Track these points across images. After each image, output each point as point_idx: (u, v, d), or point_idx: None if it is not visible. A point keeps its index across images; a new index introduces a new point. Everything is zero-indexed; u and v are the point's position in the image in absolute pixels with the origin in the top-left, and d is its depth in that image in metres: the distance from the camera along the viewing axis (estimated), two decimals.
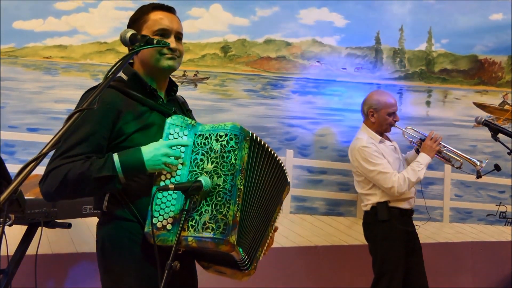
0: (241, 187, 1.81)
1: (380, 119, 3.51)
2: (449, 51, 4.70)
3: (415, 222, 3.59)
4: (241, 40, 4.24)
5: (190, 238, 1.74)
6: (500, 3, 4.70)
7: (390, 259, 3.42)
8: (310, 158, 4.32)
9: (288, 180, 2.12)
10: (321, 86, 4.40)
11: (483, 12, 4.70)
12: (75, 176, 1.76)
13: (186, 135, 1.87)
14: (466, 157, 3.52)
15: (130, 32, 1.78)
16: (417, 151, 3.55)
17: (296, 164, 4.27)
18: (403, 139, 3.69)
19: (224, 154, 1.81)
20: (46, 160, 1.79)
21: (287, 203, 4.19)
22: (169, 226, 1.77)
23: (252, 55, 4.27)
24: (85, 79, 3.88)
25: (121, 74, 1.96)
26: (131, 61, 1.97)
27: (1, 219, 1.39)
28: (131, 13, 2.05)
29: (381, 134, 3.54)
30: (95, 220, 2.01)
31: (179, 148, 1.84)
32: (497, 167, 3.55)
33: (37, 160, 1.36)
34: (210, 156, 1.82)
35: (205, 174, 1.80)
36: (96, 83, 1.75)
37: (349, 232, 4.30)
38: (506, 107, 4.78)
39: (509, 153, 3.09)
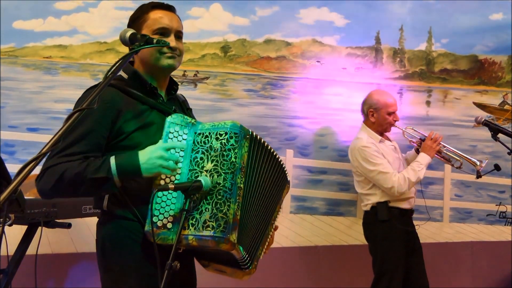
0: (241, 185, 1.80)
1: (380, 119, 3.51)
2: (449, 51, 4.70)
3: (415, 222, 3.59)
4: (241, 40, 4.25)
5: (190, 237, 1.74)
6: (500, 3, 4.70)
7: (390, 259, 3.42)
8: (310, 158, 4.32)
9: (288, 178, 2.12)
10: (321, 86, 4.41)
11: (483, 12, 4.70)
12: (72, 175, 1.76)
13: (186, 134, 1.87)
14: (466, 157, 3.52)
15: (130, 31, 1.78)
16: (417, 151, 3.55)
17: (296, 164, 4.27)
18: (403, 139, 3.68)
19: (224, 153, 1.81)
20: (45, 159, 1.80)
21: (287, 203, 4.19)
22: (169, 225, 1.77)
23: (252, 55, 4.28)
24: (85, 79, 3.88)
25: (121, 72, 1.95)
26: (131, 60, 1.97)
27: (1, 219, 1.39)
28: (131, 13, 2.05)
29: (381, 134, 3.54)
30: (95, 220, 2.00)
31: (178, 153, 1.83)
32: (497, 167, 3.55)
33: (37, 160, 1.35)
34: (210, 155, 1.82)
35: (205, 172, 1.80)
36: (96, 83, 1.75)
37: (349, 232, 4.30)
38: (506, 107, 4.78)
39: (509, 153, 3.09)
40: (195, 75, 4.16)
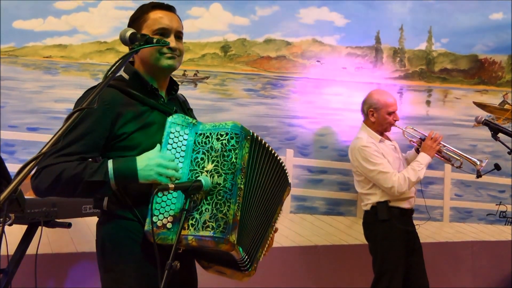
0: (242, 186, 1.80)
1: (380, 119, 3.50)
2: (449, 50, 4.70)
3: (415, 222, 3.59)
4: (241, 40, 4.25)
5: (190, 237, 1.74)
6: (500, 3, 4.70)
7: (390, 258, 3.42)
8: (310, 157, 4.32)
9: (289, 180, 2.11)
10: (321, 85, 4.40)
11: (483, 12, 4.70)
12: (69, 176, 1.77)
13: (187, 134, 1.87)
14: (466, 157, 3.52)
15: (130, 31, 1.77)
16: (417, 151, 3.55)
17: (296, 163, 4.27)
18: (403, 138, 3.68)
19: (224, 153, 1.80)
20: None
21: (287, 203, 4.19)
22: (169, 225, 1.76)
23: (252, 54, 4.28)
24: (85, 79, 3.88)
25: (122, 73, 1.96)
26: (131, 60, 1.96)
27: (1, 219, 1.38)
28: (131, 12, 2.05)
29: (381, 133, 3.54)
30: (95, 219, 2.00)
31: (177, 159, 1.83)
32: (497, 167, 3.54)
33: (37, 159, 1.35)
34: (210, 155, 1.82)
35: (205, 173, 1.79)
36: (96, 83, 1.75)
37: (349, 231, 4.30)
38: (506, 106, 4.78)
39: (509, 153, 3.09)
40: (195, 74, 4.16)
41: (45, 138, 3.48)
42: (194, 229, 1.74)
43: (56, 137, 1.43)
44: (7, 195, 1.28)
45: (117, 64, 1.65)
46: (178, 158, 1.84)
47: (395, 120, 3.52)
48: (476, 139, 4.62)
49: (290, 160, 4.22)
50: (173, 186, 1.72)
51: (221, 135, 1.83)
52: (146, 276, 1.83)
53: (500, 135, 3.07)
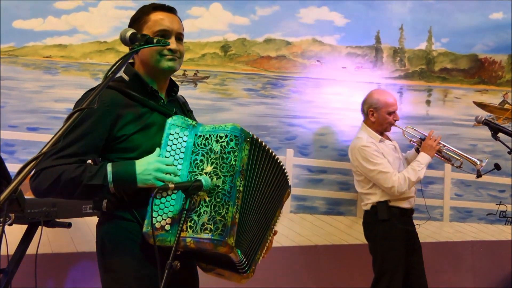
0: (241, 188, 1.80)
1: (380, 118, 3.51)
2: (449, 50, 4.70)
3: (415, 221, 3.59)
4: (241, 39, 4.24)
5: (188, 239, 1.74)
6: (500, 2, 4.70)
7: (390, 258, 3.42)
8: (310, 157, 4.32)
9: (289, 183, 2.11)
10: (321, 85, 4.40)
11: (483, 11, 4.70)
12: (68, 179, 1.77)
13: (186, 136, 1.87)
14: (466, 156, 3.52)
15: (130, 31, 1.77)
16: (417, 151, 3.55)
17: (296, 163, 4.27)
18: (403, 138, 3.68)
19: (224, 155, 1.80)
20: None
21: (287, 203, 4.15)
22: (167, 227, 1.76)
23: (252, 54, 4.27)
24: (85, 79, 3.87)
25: (122, 74, 1.96)
26: (131, 61, 1.96)
27: (1, 219, 1.38)
28: (131, 12, 2.05)
29: (381, 133, 3.54)
30: (95, 219, 2.01)
31: (177, 160, 1.82)
32: (497, 166, 3.54)
33: (37, 159, 1.35)
34: (210, 157, 1.81)
35: (204, 175, 1.79)
36: (96, 83, 1.75)
37: (349, 231, 4.30)
38: (506, 106, 4.78)
39: (509, 152, 3.09)
40: (195, 74, 4.15)
41: (45, 138, 3.48)
42: (193, 231, 1.74)
43: (56, 137, 1.43)
44: (7, 195, 1.28)
45: (117, 65, 1.64)
46: (177, 160, 1.84)
47: (395, 120, 3.52)
48: (476, 138, 4.61)
49: (290, 159, 4.21)
50: (173, 185, 1.72)
51: (221, 137, 1.83)
52: (146, 276, 1.83)
53: (500, 134, 3.07)
